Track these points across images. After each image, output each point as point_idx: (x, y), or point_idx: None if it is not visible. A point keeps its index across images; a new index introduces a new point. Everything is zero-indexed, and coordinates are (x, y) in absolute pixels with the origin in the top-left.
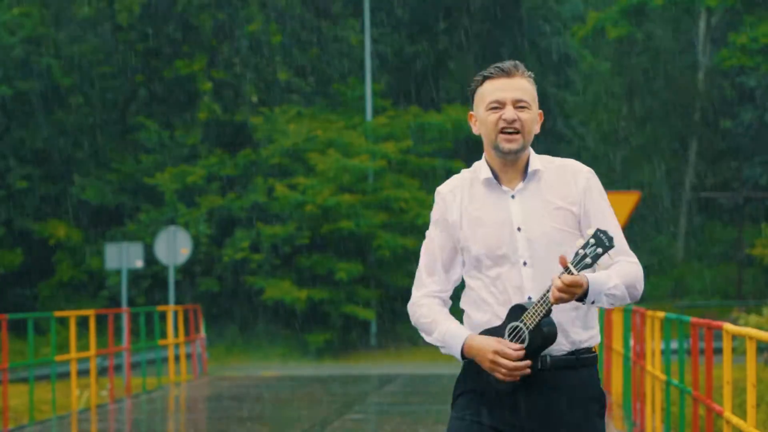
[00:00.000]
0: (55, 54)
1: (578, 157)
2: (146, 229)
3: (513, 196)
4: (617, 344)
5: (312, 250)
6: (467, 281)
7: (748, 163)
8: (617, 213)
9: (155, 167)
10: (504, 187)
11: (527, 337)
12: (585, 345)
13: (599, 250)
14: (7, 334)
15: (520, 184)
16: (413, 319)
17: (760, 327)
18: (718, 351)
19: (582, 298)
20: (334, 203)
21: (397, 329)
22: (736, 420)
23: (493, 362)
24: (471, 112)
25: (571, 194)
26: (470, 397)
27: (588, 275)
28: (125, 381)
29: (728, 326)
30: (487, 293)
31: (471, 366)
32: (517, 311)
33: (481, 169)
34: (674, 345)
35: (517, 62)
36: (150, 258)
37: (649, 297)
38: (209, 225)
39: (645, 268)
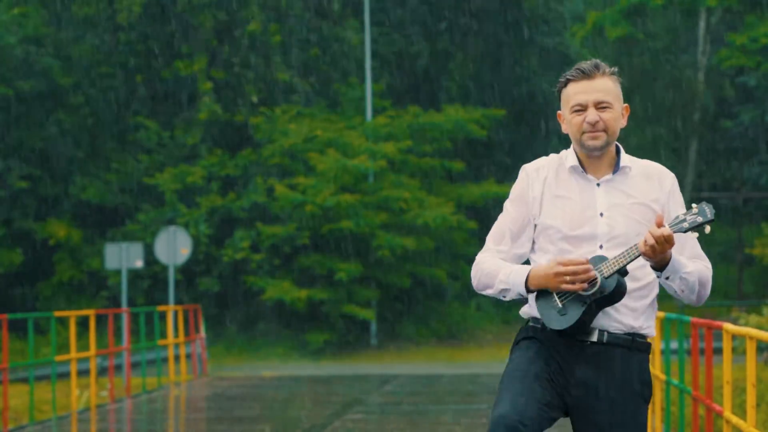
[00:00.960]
0: (55, 54)
1: None
2: (146, 229)
3: (599, 185)
4: None
5: (312, 250)
6: (537, 259)
7: (748, 163)
8: None
9: (155, 167)
10: (590, 176)
11: (599, 282)
12: (642, 332)
13: (699, 218)
14: (8, 334)
15: (608, 176)
16: (475, 278)
17: (760, 327)
18: (718, 351)
19: (662, 268)
20: (334, 203)
21: (397, 329)
22: (736, 420)
23: (558, 273)
24: (559, 112)
25: (655, 193)
26: (530, 343)
27: (676, 254)
28: (125, 381)
29: (728, 326)
30: None
31: (534, 321)
32: (595, 261)
33: (568, 157)
34: (674, 345)
35: (598, 62)
36: (150, 258)
37: None
38: (209, 225)
39: None
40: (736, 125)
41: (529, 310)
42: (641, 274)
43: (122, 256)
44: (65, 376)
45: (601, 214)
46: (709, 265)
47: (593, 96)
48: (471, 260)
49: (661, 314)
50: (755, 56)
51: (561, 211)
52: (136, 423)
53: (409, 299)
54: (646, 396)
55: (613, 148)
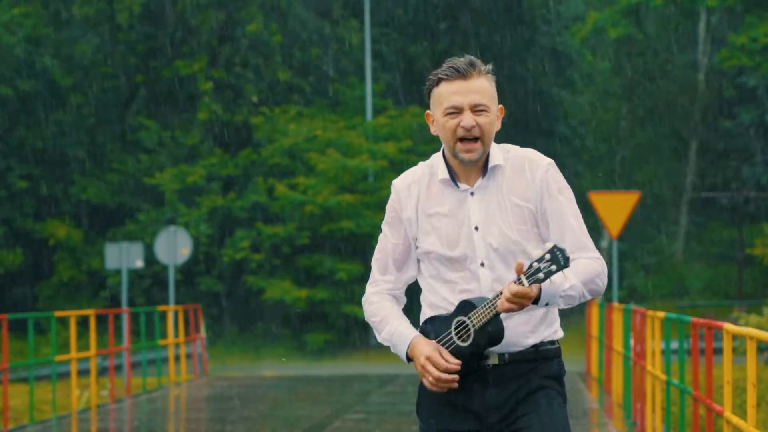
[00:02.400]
0: (56, 54)
1: (578, 157)
2: (146, 229)
3: (472, 193)
4: (617, 344)
5: (312, 250)
6: (423, 281)
7: (748, 162)
8: (617, 213)
9: (155, 167)
10: (462, 186)
11: (472, 335)
12: (546, 341)
13: (553, 267)
14: (8, 334)
15: (479, 181)
16: (366, 317)
17: (760, 327)
18: (719, 351)
19: (536, 301)
20: (334, 203)
21: None
22: (736, 420)
23: (423, 368)
24: (428, 112)
25: (528, 190)
26: (430, 402)
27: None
28: (125, 381)
29: (728, 326)
30: (445, 293)
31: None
32: (466, 306)
33: (438, 166)
34: (674, 345)
35: (473, 59)
36: (150, 258)
37: (649, 297)
38: (209, 225)
39: (645, 267)
40: (736, 125)
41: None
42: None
43: (122, 256)
44: (65, 376)
45: (476, 228)
46: (596, 254)
47: (469, 98)
48: None
49: (662, 314)
50: (755, 56)
51: (436, 231)
52: (137, 423)
53: (409, 299)
54: (560, 389)
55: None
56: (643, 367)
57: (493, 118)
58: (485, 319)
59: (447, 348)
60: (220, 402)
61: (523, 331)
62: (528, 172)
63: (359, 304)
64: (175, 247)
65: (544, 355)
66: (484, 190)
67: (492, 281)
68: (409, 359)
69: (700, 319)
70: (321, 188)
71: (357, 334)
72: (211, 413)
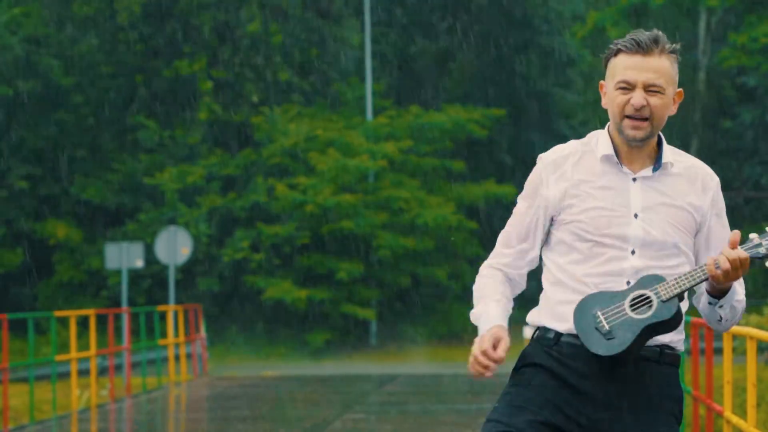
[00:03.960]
0: (56, 54)
1: None
2: (146, 228)
3: (635, 180)
4: None
5: (312, 249)
6: (557, 259)
7: (748, 163)
8: None
9: (155, 167)
10: (625, 169)
11: (655, 307)
12: (672, 345)
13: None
14: (8, 334)
15: (647, 171)
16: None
17: (760, 326)
18: (719, 351)
19: (721, 296)
20: (334, 203)
21: (397, 329)
22: (736, 420)
23: (474, 353)
24: (602, 82)
25: (697, 199)
26: (536, 371)
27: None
28: (125, 381)
29: None
30: (581, 274)
31: (538, 346)
32: (649, 280)
33: (599, 142)
34: None
35: (659, 35)
36: (150, 258)
37: None
38: (209, 225)
39: None
40: (737, 125)
41: (539, 317)
42: (676, 266)
43: (122, 256)
44: (65, 375)
45: (636, 216)
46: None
47: (644, 76)
48: (471, 260)
49: None
50: (756, 56)
51: (589, 208)
52: (137, 423)
53: (409, 299)
54: (677, 413)
55: (654, 139)
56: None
57: (668, 102)
58: (679, 289)
59: (617, 318)
60: (220, 402)
61: None
62: (700, 183)
63: (359, 304)
64: (175, 246)
65: (667, 359)
66: (649, 181)
67: (635, 273)
68: None
69: (701, 319)
70: (321, 188)
71: (357, 334)
72: (211, 413)
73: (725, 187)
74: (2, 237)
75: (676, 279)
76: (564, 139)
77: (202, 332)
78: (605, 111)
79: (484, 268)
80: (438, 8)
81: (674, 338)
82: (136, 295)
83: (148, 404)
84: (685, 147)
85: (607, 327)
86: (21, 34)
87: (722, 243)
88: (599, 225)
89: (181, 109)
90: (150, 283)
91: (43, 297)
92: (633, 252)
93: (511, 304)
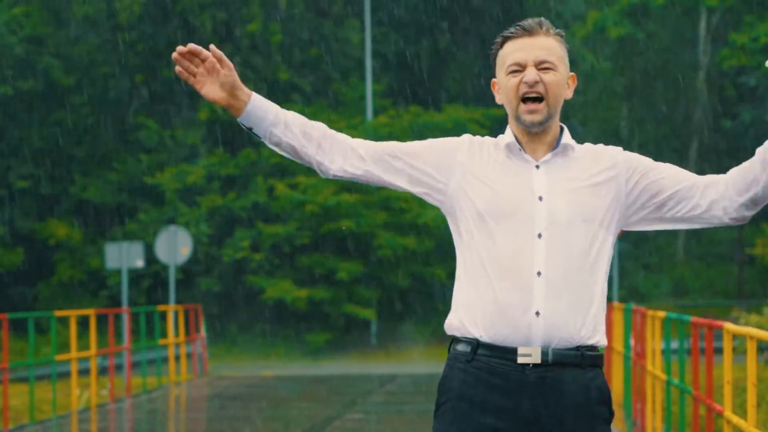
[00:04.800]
0: (56, 53)
1: None
2: (147, 228)
3: (537, 166)
4: (618, 344)
5: (312, 249)
6: (464, 251)
7: None
8: None
9: (156, 167)
10: (527, 156)
11: None
12: (590, 343)
13: None
14: (8, 334)
15: (548, 155)
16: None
17: (760, 326)
18: (719, 350)
19: None
20: (334, 203)
21: (397, 329)
22: (736, 419)
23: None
24: (494, 80)
25: (607, 171)
26: (455, 405)
27: None
28: (125, 381)
29: (729, 326)
30: (487, 263)
31: (454, 367)
32: None
33: (505, 135)
34: (675, 344)
35: (542, 19)
36: (150, 257)
37: (650, 296)
38: (210, 224)
39: (645, 267)
40: (737, 125)
41: (454, 323)
42: (589, 247)
43: (123, 256)
44: (65, 375)
45: (540, 198)
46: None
47: (533, 54)
48: None
49: (662, 314)
50: (756, 56)
51: (491, 190)
52: (137, 423)
53: (409, 299)
54: (607, 415)
55: (556, 127)
56: (643, 367)
57: (561, 80)
58: None
59: None
60: (220, 402)
61: (569, 314)
62: (607, 157)
63: (359, 304)
64: (175, 246)
65: (591, 362)
66: (551, 164)
67: (548, 257)
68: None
69: (701, 319)
70: (321, 188)
71: (357, 334)
72: (211, 413)
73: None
74: (2, 237)
75: None
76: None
77: (203, 332)
78: (605, 111)
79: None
80: (438, 8)
81: (597, 335)
82: (136, 295)
83: (148, 404)
84: (685, 147)
85: None
86: (21, 33)
87: (668, 166)
88: (502, 206)
89: (181, 109)
90: (150, 282)
91: (43, 297)
92: (540, 235)
93: (297, 128)
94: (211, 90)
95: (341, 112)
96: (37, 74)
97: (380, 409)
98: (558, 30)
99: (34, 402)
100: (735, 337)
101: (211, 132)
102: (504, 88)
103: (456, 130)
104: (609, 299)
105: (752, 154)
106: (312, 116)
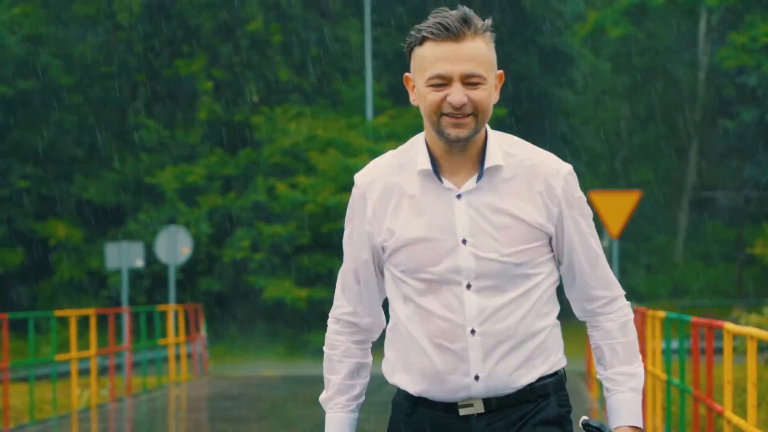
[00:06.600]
0: (56, 53)
1: (578, 157)
2: (147, 228)
3: (459, 196)
4: None
5: (313, 249)
6: (393, 302)
7: (748, 162)
8: (618, 213)
9: (156, 166)
10: (446, 183)
11: None
12: (546, 374)
13: None
14: (8, 334)
15: (471, 182)
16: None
17: (760, 326)
18: (719, 350)
19: None
20: (334, 203)
21: None
22: (736, 419)
23: None
24: (408, 75)
25: (541, 204)
26: None
27: (621, 412)
28: (126, 380)
29: (729, 326)
30: (416, 326)
31: (398, 418)
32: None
33: (417, 154)
34: (675, 344)
35: (467, 13)
36: (150, 257)
37: (650, 296)
38: (210, 224)
39: (645, 267)
40: (737, 125)
41: (391, 371)
42: (507, 305)
43: (123, 256)
44: (66, 375)
45: (464, 241)
46: (621, 294)
47: (460, 67)
48: None
49: (662, 314)
50: (756, 56)
51: (408, 243)
52: (137, 422)
53: None
54: (563, 422)
55: (480, 136)
56: (643, 367)
57: (491, 91)
58: None
59: None
60: (220, 402)
61: (512, 371)
62: (542, 182)
63: None
64: (175, 246)
65: (540, 392)
66: (475, 194)
67: (479, 311)
68: None
69: (701, 319)
70: (321, 188)
71: None
72: (212, 413)
73: (726, 187)
74: (2, 237)
75: None
76: (564, 139)
77: (203, 332)
78: (605, 111)
79: (333, 333)
80: (438, 7)
81: (542, 368)
82: (136, 294)
83: (148, 404)
84: (684, 147)
85: None
86: (21, 33)
87: (585, 250)
88: (422, 261)
89: (181, 109)
90: (150, 282)
91: (43, 297)
92: (469, 287)
93: (364, 380)
94: None
95: (341, 112)
96: (38, 73)
97: (380, 409)
98: (485, 23)
99: (35, 402)
100: (735, 337)
101: (211, 132)
102: (422, 98)
103: None
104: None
105: (751, 154)
106: (313, 116)
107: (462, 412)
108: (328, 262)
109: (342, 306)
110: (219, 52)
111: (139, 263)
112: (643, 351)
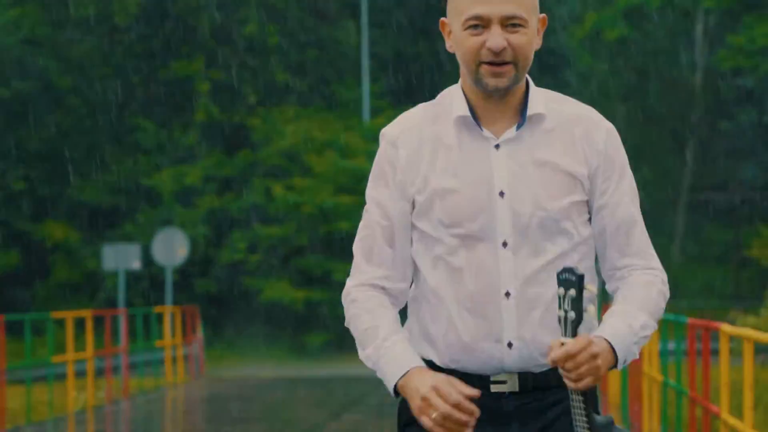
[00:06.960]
0: (53, 55)
1: None
2: (144, 230)
3: (497, 146)
4: None
5: (310, 251)
6: (420, 262)
7: (745, 164)
8: None
9: (153, 168)
10: (485, 132)
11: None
12: None
13: (572, 291)
14: (4, 336)
15: (511, 131)
16: (346, 321)
17: (757, 328)
18: (716, 352)
19: (614, 365)
20: (331, 204)
21: None
22: (733, 421)
23: (426, 401)
24: (444, 20)
25: (582, 157)
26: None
27: (606, 330)
28: (122, 382)
29: (725, 327)
30: (446, 291)
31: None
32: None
33: (453, 101)
34: (671, 346)
35: None
36: (147, 259)
37: None
38: (207, 226)
39: None
40: (734, 126)
41: (420, 348)
42: (545, 268)
43: (119, 257)
44: (62, 377)
45: (502, 194)
46: (658, 264)
47: (500, 8)
48: None
49: None
50: (753, 57)
51: (442, 196)
52: (134, 424)
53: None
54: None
55: (521, 85)
56: (640, 369)
57: (532, 36)
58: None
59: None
60: (216, 403)
61: (548, 339)
62: (584, 133)
63: None
64: (172, 248)
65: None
66: (515, 144)
67: (516, 270)
68: (398, 393)
69: (697, 320)
70: (318, 189)
71: None
72: (208, 415)
73: (723, 188)
74: None
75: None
76: None
77: (199, 334)
78: (602, 112)
79: (354, 289)
80: (435, 9)
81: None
82: (133, 296)
83: (145, 406)
84: (681, 149)
85: None
86: (19, 34)
87: (622, 210)
88: (457, 215)
89: (178, 111)
90: (147, 284)
91: (39, 298)
92: (505, 244)
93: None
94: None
95: (338, 114)
96: (35, 75)
97: (378, 410)
98: None
99: (31, 403)
100: (732, 338)
101: (208, 133)
102: (459, 43)
103: None
104: (606, 300)
105: (751, 154)
106: (309, 117)
107: (493, 388)
108: (326, 263)
109: (369, 271)
110: (216, 53)
111: (136, 265)
112: (639, 352)
